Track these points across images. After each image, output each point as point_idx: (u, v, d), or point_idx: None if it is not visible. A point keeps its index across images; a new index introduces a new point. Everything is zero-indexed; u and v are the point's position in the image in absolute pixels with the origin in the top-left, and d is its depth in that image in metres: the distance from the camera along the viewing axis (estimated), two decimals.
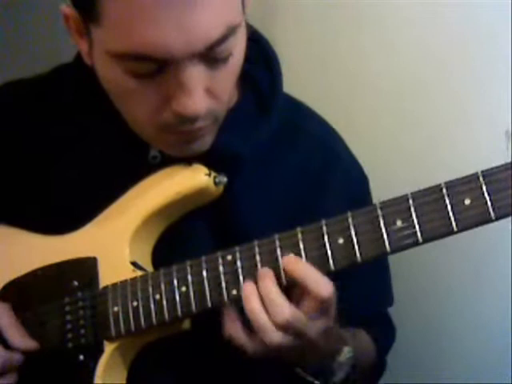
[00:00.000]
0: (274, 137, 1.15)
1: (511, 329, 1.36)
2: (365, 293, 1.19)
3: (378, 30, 1.48)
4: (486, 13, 1.37)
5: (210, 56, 0.97)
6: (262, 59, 1.15)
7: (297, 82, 1.22)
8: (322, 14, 1.55)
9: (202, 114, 1.00)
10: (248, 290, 0.99)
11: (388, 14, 1.47)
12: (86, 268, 1.13)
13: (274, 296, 0.98)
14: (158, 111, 1.01)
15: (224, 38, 0.96)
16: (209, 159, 1.09)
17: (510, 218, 0.91)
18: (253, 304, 0.99)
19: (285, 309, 0.97)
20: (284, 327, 0.97)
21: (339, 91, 1.54)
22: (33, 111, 1.21)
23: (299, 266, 0.98)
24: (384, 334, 1.26)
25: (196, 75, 0.97)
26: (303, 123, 1.20)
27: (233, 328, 1.01)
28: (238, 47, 1.01)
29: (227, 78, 1.03)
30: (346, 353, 1.07)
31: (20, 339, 1.13)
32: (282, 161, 1.16)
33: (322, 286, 0.97)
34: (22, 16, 1.95)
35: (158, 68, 0.96)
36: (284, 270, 0.99)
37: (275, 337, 0.98)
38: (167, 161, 1.11)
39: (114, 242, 1.12)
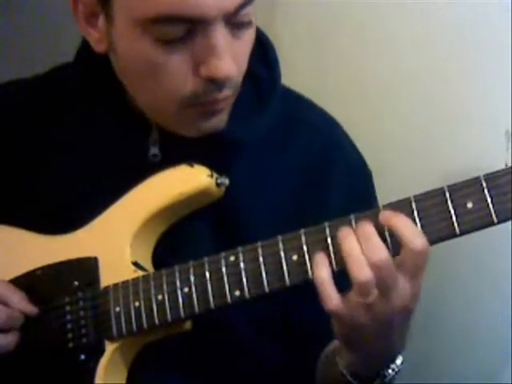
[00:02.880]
0: (275, 130, 1.15)
1: (511, 329, 1.36)
2: None
3: (378, 29, 1.48)
4: (486, 13, 1.37)
5: (236, 20, 1.00)
6: (258, 51, 1.16)
7: (297, 81, 1.22)
8: (322, 13, 1.54)
9: (232, 78, 1.02)
10: (345, 231, 0.94)
11: (388, 14, 1.46)
12: (86, 268, 1.13)
13: (373, 237, 0.92)
14: (186, 80, 1.02)
15: (250, 0, 0.99)
16: (210, 149, 1.10)
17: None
18: (350, 242, 0.93)
19: (382, 250, 0.92)
20: (378, 267, 0.91)
21: (339, 91, 1.54)
22: (31, 111, 1.22)
23: (397, 218, 0.93)
24: None
25: (225, 38, 0.99)
26: (304, 115, 1.21)
27: (322, 274, 0.95)
28: (253, 17, 1.03)
29: (246, 47, 1.05)
30: (398, 363, 1.04)
31: (20, 300, 1.13)
32: (283, 154, 1.17)
33: (418, 238, 0.92)
34: (22, 16, 1.95)
35: (187, 31, 0.98)
36: (381, 222, 0.94)
37: (367, 273, 0.91)
38: (167, 159, 1.11)
39: (116, 241, 1.12)
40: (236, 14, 0.99)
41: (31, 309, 1.13)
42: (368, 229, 0.93)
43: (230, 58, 1.01)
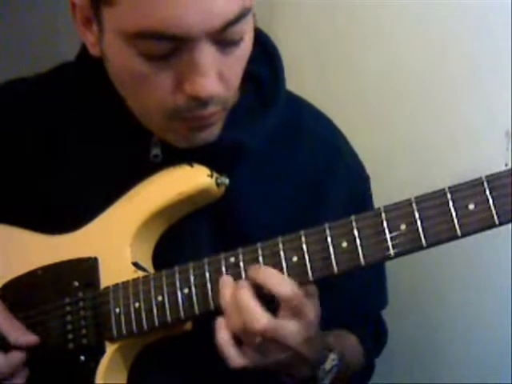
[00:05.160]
0: (276, 135, 1.15)
1: (511, 329, 1.36)
2: (358, 294, 1.20)
3: (378, 29, 1.49)
4: (486, 13, 1.38)
5: (224, 38, 0.98)
6: (262, 55, 1.16)
7: (297, 81, 1.22)
8: (322, 13, 1.55)
9: (214, 97, 1.00)
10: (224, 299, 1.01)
11: (388, 14, 1.47)
12: (86, 268, 1.12)
13: (248, 305, 0.98)
14: (170, 95, 1.01)
15: (238, 19, 0.97)
16: (211, 153, 1.09)
17: None
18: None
19: (260, 317, 0.98)
20: (262, 334, 0.98)
21: (339, 91, 1.54)
22: (34, 110, 1.21)
23: (259, 271, 1.00)
24: (376, 335, 1.27)
25: (210, 56, 0.98)
26: (305, 120, 1.20)
27: (222, 337, 1.01)
28: (247, 34, 1.02)
29: (238, 64, 1.03)
30: (331, 360, 1.07)
31: (20, 335, 1.12)
32: (284, 159, 1.16)
33: (282, 285, 0.98)
34: (22, 16, 1.94)
35: (172, 49, 0.97)
36: (248, 278, 1.00)
37: (255, 343, 0.99)
38: (168, 159, 1.11)
39: (116, 242, 1.12)
40: (223, 32, 0.97)
41: (32, 339, 1.13)
42: (245, 297, 0.99)
43: (216, 76, 0.99)
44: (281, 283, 0.98)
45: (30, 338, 1.13)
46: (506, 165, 1.32)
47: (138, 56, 0.98)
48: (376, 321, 1.28)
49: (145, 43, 0.97)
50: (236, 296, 0.99)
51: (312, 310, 1.01)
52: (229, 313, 1.00)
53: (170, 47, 0.96)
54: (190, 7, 0.93)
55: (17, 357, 1.11)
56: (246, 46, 1.02)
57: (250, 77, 1.13)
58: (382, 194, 1.23)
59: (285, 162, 1.16)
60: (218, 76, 1.00)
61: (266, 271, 0.99)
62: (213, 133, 1.07)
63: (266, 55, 1.16)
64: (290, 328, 0.99)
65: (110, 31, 1.00)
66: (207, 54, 0.97)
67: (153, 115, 1.06)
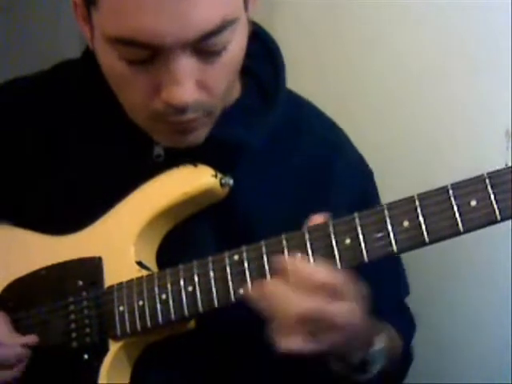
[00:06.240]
0: (277, 133, 1.15)
1: (511, 329, 1.37)
2: (384, 284, 1.18)
3: (378, 29, 1.49)
4: (486, 13, 1.38)
5: (202, 48, 0.98)
6: (263, 53, 1.16)
7: (297, 81, 1.22)
8: (322, 13, 1.55)
9: (190, 105, 1.00)
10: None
11: (388, 14, 1.47)
12: (90, 268, 1.13)
13: (281, 293, 0.96)
14: (149, 99, 1.02)
15: (218, 31, 0.97)
16: (213, 151, 1.10)
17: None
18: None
19: (298, 301, 0.95)
20: (307, 317, 0.95)
21: (339, 91, 1.54)
22: (34, 109, 1.21)
23: (289, 262, 0.97)
24: (406, 323, 1.25)
25: (187, 66, 0.98)
26: (306, 119, 1.21)
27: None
28: (234, 42, 1.01)
29: (221, 72, 1.03)
30: (378, 343, 1.05)
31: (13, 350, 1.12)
32: (285, 158, 1.17)
33: (319, 273, 0.96)
34: (23, 15, 1.95)
35: (149, 56, 0.97)
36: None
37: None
38: (171, 159, 1.12)
39: (120, 241, 1.12)
40: (200, 43, 0.97)
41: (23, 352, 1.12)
42: (272, 291, 0.96)
43: (193, 85, 0.99)
44: (317, 271, 0.96)
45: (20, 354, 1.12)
46: (506, 164, 1.32)
47: (119, 59, 1.00)
48: (404, 308, 1.26)
49: (123, 48, 0.98)
50: (266, 293, 0.96)
51: (352, 288, 0.98)
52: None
53: (147, 54, 0.97)
54: (164, 17, 0.94)
55: (21, 349, 1.11)
56: (230, 55, 1.01)
57: (251, 74, 1.14)
58: (382, 194, 1.24)
59: (286, 161, 1.17)
60: (197, 84, 1.00)
61: (297, 261, 0.97)
62: (198, 137, 1.08)
63: (266, 52, 1.17)
64: (335, 307, 0.95)
65: (98, 32, 1.01)
66: (184, 64, 0.97)
67: (136, 116, 1.07)
